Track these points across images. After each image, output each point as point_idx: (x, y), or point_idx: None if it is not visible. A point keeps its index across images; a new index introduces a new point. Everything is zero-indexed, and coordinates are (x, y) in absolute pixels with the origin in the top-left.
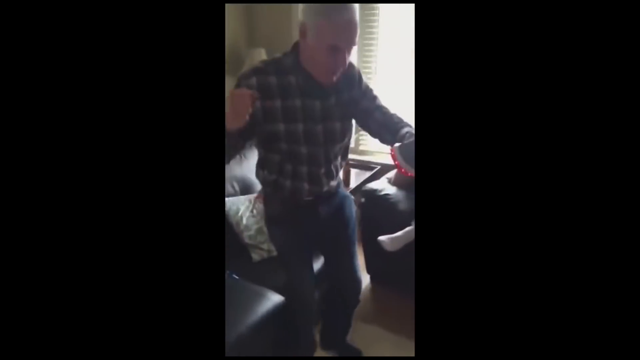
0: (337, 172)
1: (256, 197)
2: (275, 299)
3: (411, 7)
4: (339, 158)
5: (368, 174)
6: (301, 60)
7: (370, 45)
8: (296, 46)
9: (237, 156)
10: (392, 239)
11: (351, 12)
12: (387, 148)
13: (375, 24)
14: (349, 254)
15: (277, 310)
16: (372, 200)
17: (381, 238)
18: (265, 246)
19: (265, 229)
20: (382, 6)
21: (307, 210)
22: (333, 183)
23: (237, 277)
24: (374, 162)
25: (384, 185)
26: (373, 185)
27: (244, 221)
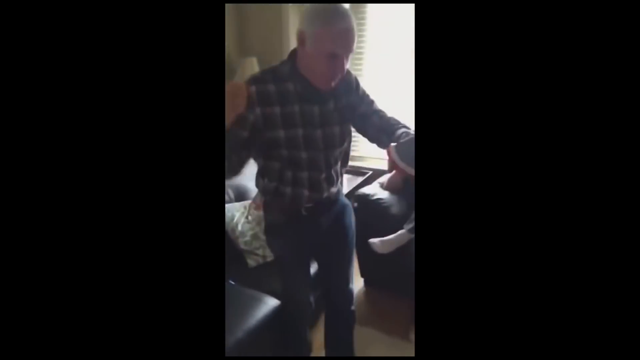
0: (337, 178)
1: (251, 204)
2: (271, 303)
3: (399, 10)
4: (339, 164)
5: (360, 179)
6: (299, 68)
7: (360, 48)
8: (293, 54)
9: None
10: (383, 241)
11: (349, 21)
12: (378, 153)
13: (363, 27)
14: (345, 264)
15: (274, 314)
16: (364, 205)
17: (372, 240)
18: (260, 252)
19: (260, 235)
20: (369, 10)
21: (308, 220)
22: (333, 189)
23: (233, 283)
24: (365, 168)
25: (376, 190)
26: (365, 190)
27: (240, 227)
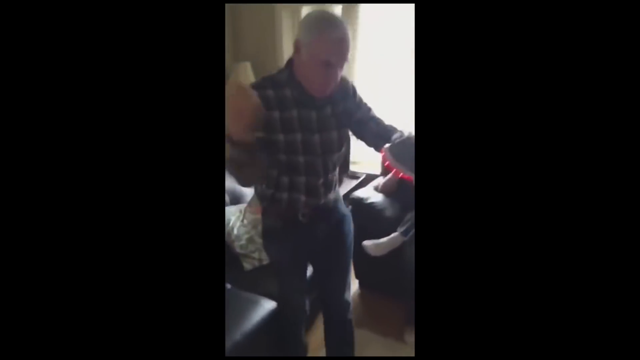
0: (335, 184)
1: (246, 208)
2: (268, 305)
3: (392, 10)
4: (337, 170)
5: (354, 182)
6: (296, 75)
7: (352, 49)
8: (290, 62)
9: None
10: (377, 244)
11: (342, 30)
12: (372, 157)
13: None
14: (341, 274)
15: (271, 317)
16: (358, 208)
17: (365, 243)
18: (256, 255)
19: (256, 238)
20: (361, 14)
21: (305, 226)
22: (331, 196)
23: (229, 286)
24: (359, 172)
25: (370, 193)
26: (359, 193)
27: (235, 231)
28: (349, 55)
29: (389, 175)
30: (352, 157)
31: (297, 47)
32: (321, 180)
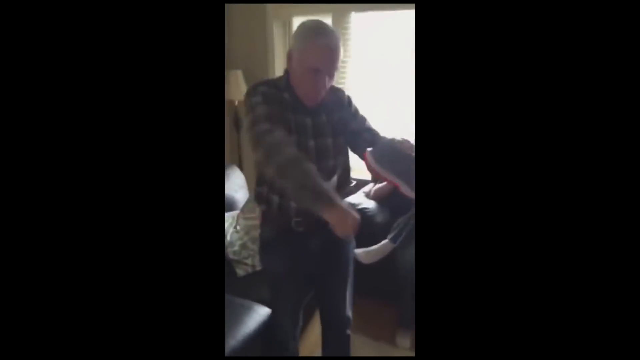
0: None
1: (239, 214)
2: (262, 311)
3: (380, 20)
4: (334, 180)
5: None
6: (291, 83)
7: (343, 61)
8: (287, 72)
9: None
10: (367, 252)
11: (331, 38)
12: (362, 163)
13: (347, 41)
14: (340, 290)
15: (265, 322)
16: None
17: (356, 251)
18: (249, 261)
19: (249, 244)
20: (353, 22)
21: (300, 238)
22: None
23: None
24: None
25: (361, 199)
26: (350, 199)
27: (228, 237)
28: (339, 63)
29: (384, 183)
30: None
31: (289, 56)
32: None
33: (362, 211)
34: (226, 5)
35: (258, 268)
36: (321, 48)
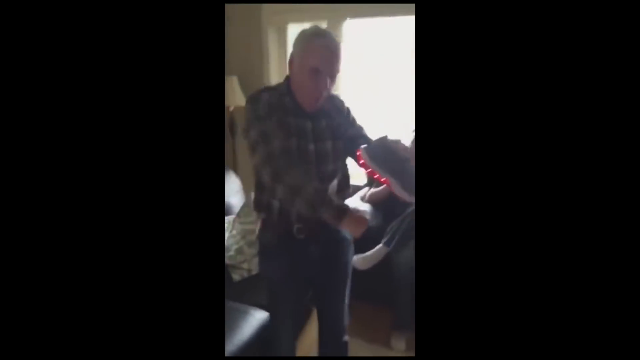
0: None
1: (235, 218)
2: (258, 315)
3: (373, 27)
4: (335, 185)
5: None
6: (291, 88)
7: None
8: (288, 77)
9: None
10: (363, 258)
11: (329, 39)
12: (358, 169)
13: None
14: (338, 299)
15: (262, 326)
16: None
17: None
18: (245, 265)
19: (245, 249)
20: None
21: (300, 245)
22: None
23: None
24: None
25: (356, 203)
26: (345, 202)
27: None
28: (339, 66)
29: (382, 187)
30: None
31: (290, 61)
32: (324, 186)
33: None
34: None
35: (254, 272)
36: (321, 49)
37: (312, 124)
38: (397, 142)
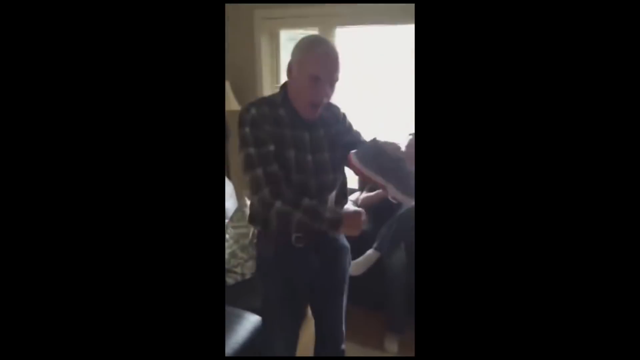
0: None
1: (228, 223)
2: (253, 319)
3: (364, 35)
4: (333, 196)
5: None
6: (289, 97)
7: None
8: (285, 86)
9: None
10: (356, 264)
11: (328, 46)
12: (349, 173)
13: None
14: (336, 308)
15: (257, 330)
16: None
17: None
18: (238, 270)
19: (238, 253)
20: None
21: (299, 255)
22: None
23: None
24: None
25: (349, 207)
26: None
27: None
28: (339, 75)
29: (376, 191)
30: None
31: (288, 69)
32: (314, 202)
33: None
34: None
35: (247, 277)
36: (321, 56)
37: (309, 134)
38: (388, 143)
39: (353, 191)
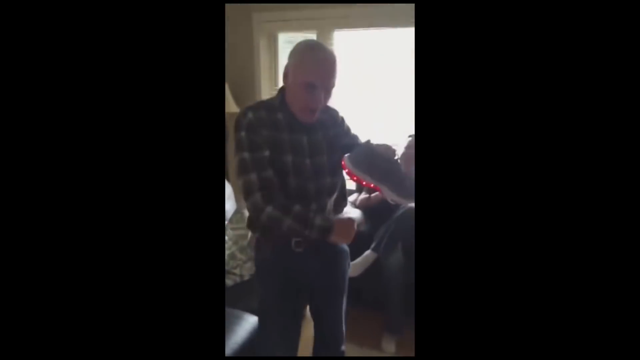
0: (330, 214)
1: (227, 224)
2: (252, 320)
3: (362, 38)
4: (332, 200)
5: None
6: (286, 101)
7: None
8: (282, 90)
9: None
10: (353, 265)
11: (324, 52)
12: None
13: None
14: (336, 311)
15: (256, 331)
16: None
17: None
18: (237, 271)
19: (237, 254)
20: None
21: (298, 260)
22: None
23: None
24: None
25: (347, 209)
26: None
27: None
28: (335, 80)
29: (376, 193)
30: None
31: (285, 72)
32: (313, 207)
33: None
34: None
35: (246, 278)
36: (317, 62)
37: (307, 138)
38: (380, 145)
39: (351, 192)
